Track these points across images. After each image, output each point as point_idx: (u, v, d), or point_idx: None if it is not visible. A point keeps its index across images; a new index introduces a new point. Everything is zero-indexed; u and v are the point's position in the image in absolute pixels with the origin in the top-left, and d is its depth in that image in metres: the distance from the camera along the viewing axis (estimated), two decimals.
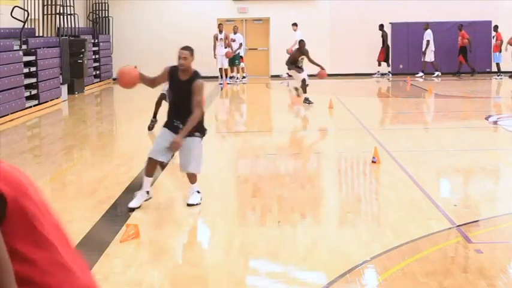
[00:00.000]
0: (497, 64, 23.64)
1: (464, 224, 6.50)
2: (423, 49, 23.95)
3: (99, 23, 23.87)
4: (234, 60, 22.91)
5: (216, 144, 11.92)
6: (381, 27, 24.24)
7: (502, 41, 23.36)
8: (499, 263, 5.53)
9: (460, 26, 23.97)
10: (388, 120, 15.23)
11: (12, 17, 16.11)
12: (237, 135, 12.84)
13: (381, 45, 24.42)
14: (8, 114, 14.46)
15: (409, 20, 24.61)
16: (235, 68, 23.31)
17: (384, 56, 24.38)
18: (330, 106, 15.50)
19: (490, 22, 24.49)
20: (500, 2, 24.70)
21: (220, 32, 22.59)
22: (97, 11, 23.84)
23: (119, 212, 7.41)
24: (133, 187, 8.40)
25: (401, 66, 24.78)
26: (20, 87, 15.20)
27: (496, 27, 23.59)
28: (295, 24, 23.28)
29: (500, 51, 23.45)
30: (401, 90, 21.44)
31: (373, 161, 9.32)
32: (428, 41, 23.86)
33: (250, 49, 25.43)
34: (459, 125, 13.79)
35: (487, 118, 13.86)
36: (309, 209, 7.31)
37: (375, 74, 24.47)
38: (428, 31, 23.87)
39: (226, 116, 16.33)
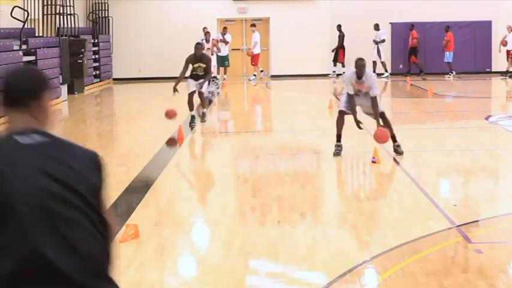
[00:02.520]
0: (448, 63, 23.87)
1: (464, 224, 6.50)
2: (376, 49, 24.07)
3: (99, 23, 23.87)
4: (224, 61, 22.29)
5: (216, 144, 11.92)
6: (339, 27, 24.15)
7: (448, 41, 23.55)
8: (499, 263, 5.53)
9: (411, 26, 24.17)
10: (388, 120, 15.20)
11: (12, 17, 16.11)
12: (237, 135, 12.84)
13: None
14: None
15: (409, 20, 24.60)
16: (222, 70, 22.80)
17: (343, 57, 24.27)
18: (330, 106, 15.49)
19: (490, 22, 24.51)
20: (500, 2, 24.71)
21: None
22: (97, 11, 23.84)
23: (118, 212, 7.41)
24: (134, 187, 8.41)
25: (401, 66, 24.79)
26: None
27: (447, 27, 23.68)
28: (253, 25, 23.14)
29: (450, 51, 23.68)
30: (401, 90, 21.44)
31: (373, 161, 9.32)
32: (383, 40, 23.95)
33: (250, 49, 25.43)
34: (459, 125, 13.79)
35: (487, 118, 13.86)
36: (309, 209, 7.31)
37: (330, 74, 24.36)
38: (383, 31, 23.93)
39: (226, 116, 16.33)
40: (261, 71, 23.53)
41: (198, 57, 12.60)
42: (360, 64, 9.39)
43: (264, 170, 9.48)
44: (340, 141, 9.90)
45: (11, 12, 16.13)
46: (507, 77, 23.17)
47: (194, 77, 12.69)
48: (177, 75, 12.74)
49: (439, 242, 6.03)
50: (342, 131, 9.84)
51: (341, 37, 24.11)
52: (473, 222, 6.68)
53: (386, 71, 24.08)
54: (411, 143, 11.33)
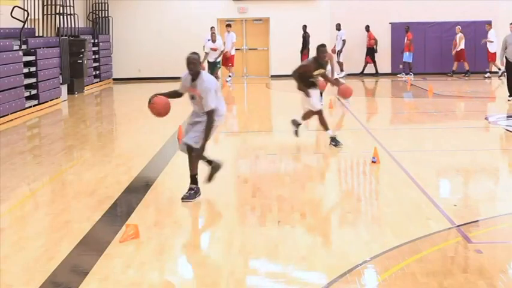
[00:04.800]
0: (408, 63, 24.09)
1: (464, 224, 6.50)
2: (339, 49, 24.05)
3: (99, 23, 23.87)
4: (214, 67, 21.38)
5: (216, 144, 11.92)
6: (304, 28, 24.10)
7: (410, 41, 23.72)
8: (499, 263, 5.53)
9: (367, 27, 24.31)
10: (388, 120, 15.22)
11: (12, 17, 16.12)
12: (237, 135, 12.84)
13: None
14: (8, 114, 14.47)
15: (409, 20, 24.62)
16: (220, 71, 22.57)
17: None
18: (330, 106, 15.49)
19: (490, 22, 24.50)
20: (500, 2, 24.72)
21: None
22: (97, 11, 23.84)
23: (118, 212, 7.41)
24: (134, 187, 8.41)
25: (401, 66, 24.80)
26: (19, 87, 15.21)
27: (407, 27, 23.78)
28: (229, 25, 22.96)
29: (409, 51, 23.88)
30: (402, 90, 21.44)
31: (373, 161, 9.33)
32: (344, 41, 24.00)
33: (250, 49, 25.47)
34: (459, 125, 13.79)
35: (487, 118, 13.87)
36: (309, 209, 7.31)
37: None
38: (343, 31, 23.92)
39: (226, 116, 16.29)
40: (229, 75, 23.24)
41: (321, 63, 10.62)
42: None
43: (264, 170, 9.48)
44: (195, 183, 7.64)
45: (11, 12, 16.13)
46: (468, 77, 23.51)
47: (314, 85, 10.87)
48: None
49: (439, 242, 6.03)
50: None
51: (305, 38, 24.04)
52: (473, 222, 6.68)
53: (342, 71, 24.12)
54: (411, 143, 11.35)
